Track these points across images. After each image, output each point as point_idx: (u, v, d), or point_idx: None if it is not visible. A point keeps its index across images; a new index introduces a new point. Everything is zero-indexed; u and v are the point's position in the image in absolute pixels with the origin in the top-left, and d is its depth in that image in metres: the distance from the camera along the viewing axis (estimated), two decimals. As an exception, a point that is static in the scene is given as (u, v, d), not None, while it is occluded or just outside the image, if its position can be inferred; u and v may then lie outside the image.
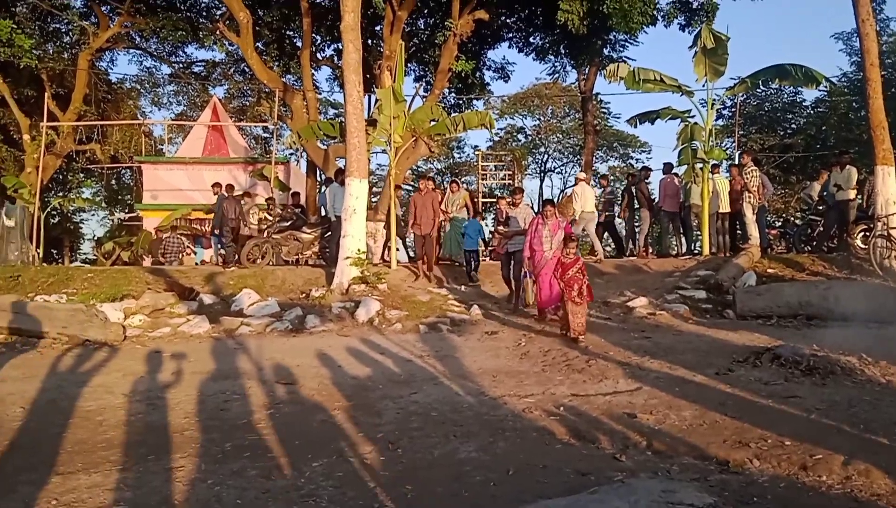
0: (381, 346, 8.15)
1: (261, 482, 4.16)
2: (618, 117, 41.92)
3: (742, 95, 24.12)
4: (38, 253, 14.87)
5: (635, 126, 14.51)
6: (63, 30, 24.82)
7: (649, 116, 14.07)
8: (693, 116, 13.54)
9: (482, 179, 27.72)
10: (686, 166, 13.19)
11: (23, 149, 23.43)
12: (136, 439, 4.94)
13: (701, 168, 12.96)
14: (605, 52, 24.73)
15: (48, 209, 20.27)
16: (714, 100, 13.56)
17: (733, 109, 26.54)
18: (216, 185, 15.82)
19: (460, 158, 46.42)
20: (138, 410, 5.57)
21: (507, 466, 4.41)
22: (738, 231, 13.75)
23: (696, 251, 14.41)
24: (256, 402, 5.80)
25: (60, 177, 27.18)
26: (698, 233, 14.41)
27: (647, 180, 14.96)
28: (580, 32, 18.71)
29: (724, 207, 13.59)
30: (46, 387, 6.22)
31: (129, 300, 9.71)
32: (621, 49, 24.57)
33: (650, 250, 14.93)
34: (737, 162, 16.22)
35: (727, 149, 24.55)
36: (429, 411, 5.55)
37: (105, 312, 8.92)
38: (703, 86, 13.22)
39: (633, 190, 14.73)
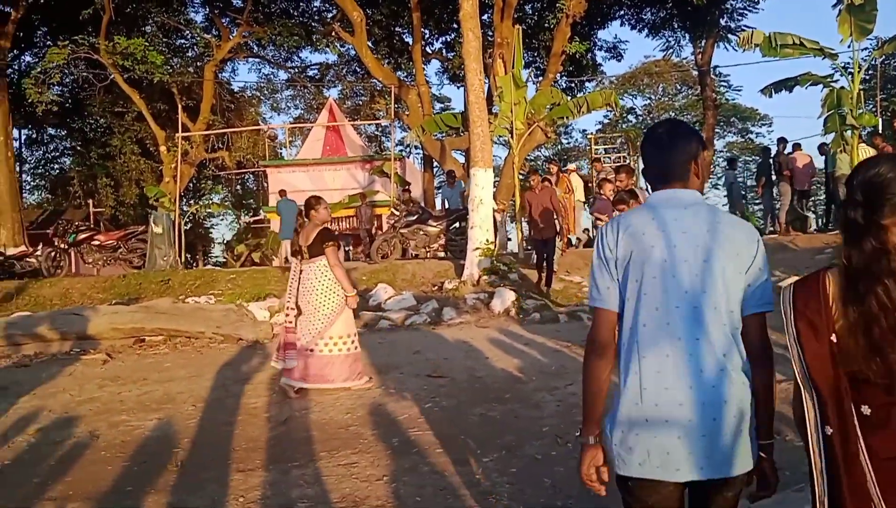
0: (523, 337, 8.01)
1: (436, 478, 4.11)
2: (738, 90, 39.92)
3: (882, 57, 22.26)
4: (181, 258, 15.74)
5: (770, 96, 13.54)
6: (188, 45, 26.29)
7: (786, 84, 13.11)
8: (836, 81, 12.53)
9: (595, 163, 27.04)
10: (834, 134, 12.21)
11: (158, 160, 24.96)
12: (305, 435, 5.02)
13: (850, 135, 11.98)
14: (723, 21, 23.60)
15: (185, 216, 21.52)
16: (861, 62, 12.48)
17: (871, 72, 24.53)
18: (282, 192, 16.92)
19: (568, 143, 45.63)
20: (301, 406, 5.68)
21: None
22: None
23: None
24: (412, 396, 5.78)
25: (191, 185, 28.78)
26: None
27: (786, 152, 13.99)
28: (698, 3, 17.85)
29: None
30: (211, 385, 6.48)
31: (272, 299, 10.04)
32: (739, 18, 23.45)
33: (791, 227, 13.98)
34: (880, 130, 14.93)
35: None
36: (589, 403, 5.35)
37: (252, 311, 9.27)
38: (848, 47, 12.19)
39: (773, 163, 13.80)
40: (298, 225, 5.27)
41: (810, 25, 65.93)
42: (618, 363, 1.96)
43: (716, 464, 1.82)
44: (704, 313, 1.86)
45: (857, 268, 1.60)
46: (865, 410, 1.59)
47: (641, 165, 2.34)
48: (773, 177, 13.92)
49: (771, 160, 13.92)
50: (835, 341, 1.62)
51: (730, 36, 24.31)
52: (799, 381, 1.68)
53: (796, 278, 1.83)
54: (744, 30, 21.69)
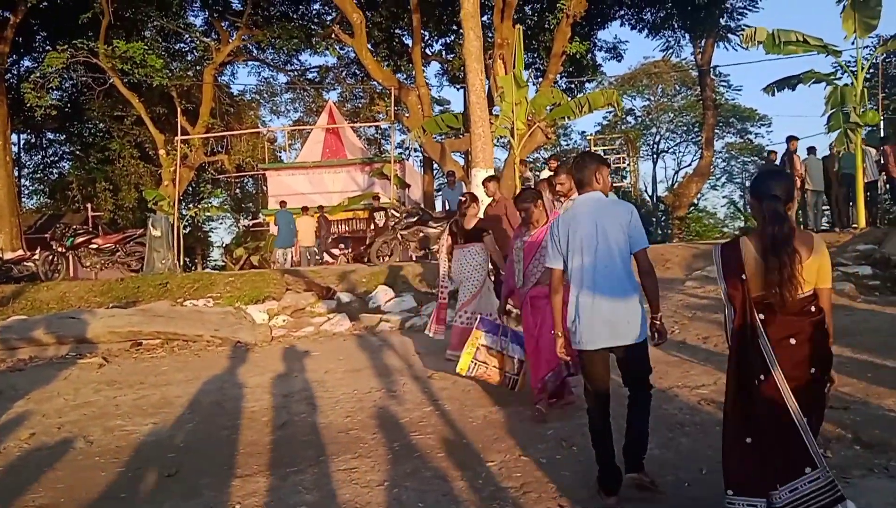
0: (525, 339, 7.88)
1: (438, 483, 4.01)
2: (738, 90, 39.81)
3: (882, 55, 22.12)
4: (179, 261, 15.63)
5: (773, 94, 13.45)
6: (187, 48, 26.24)
7: (789, 82, 13.05)
8: (839, 79, 12.46)
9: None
10: (838, 132, 12.09)
11: (157, 164, 24.86)
12: (304, 439, 4.91)
13: (854, 134, 11.88)
14: (723, 21, 23.57)
15: (184, 220, 21.45)
16: (864, 59, 12.39)
17: (872, 71, 24.42)
18: (283, 203, 17.57)
19: (567, 145, 45.58)
20: (299, 410, 5.57)
21: (698, 464, 4.04)
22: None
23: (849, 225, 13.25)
24: (414, 399, 5.67)
25: (191, 188, 28.69)
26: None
27: (795, 152, 13.59)
28: (699, 3, 17.78)
29: (870, 175, 12.58)
30: (209, 389, 6.36)
31: (271, 302, 9.91)
32: (739, 17, 23.48)
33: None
34: (881, 128, 14.84)
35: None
36: (594, 405, 5.23)
37: (251, 314, 9.16)
38: (852, 44, 12.11)
39: (782, 164, 13.48)
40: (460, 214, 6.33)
41: (810, 25, 65.82)
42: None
43: (617, 337, 3.52)
44: (607, 258, 3.53)
45: (778, 239, 2.82)
46: (761, 317, 2.90)
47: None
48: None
49: (785, 161, 13.50)
50: (745, 278, 2.92)
51: (730, 36, 24.30)
52: (724, 301, 3.03)
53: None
54: (744, 29, 21.67)
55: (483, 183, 8.42)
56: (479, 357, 5.43)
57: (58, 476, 4.43)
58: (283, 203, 17.48)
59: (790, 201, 2.91)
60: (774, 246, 2.80)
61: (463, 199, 6.87)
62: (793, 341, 2.85)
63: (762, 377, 2.86)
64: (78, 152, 28.87)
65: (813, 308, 2.88)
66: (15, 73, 24.50)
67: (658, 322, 3.59)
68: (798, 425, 2.81)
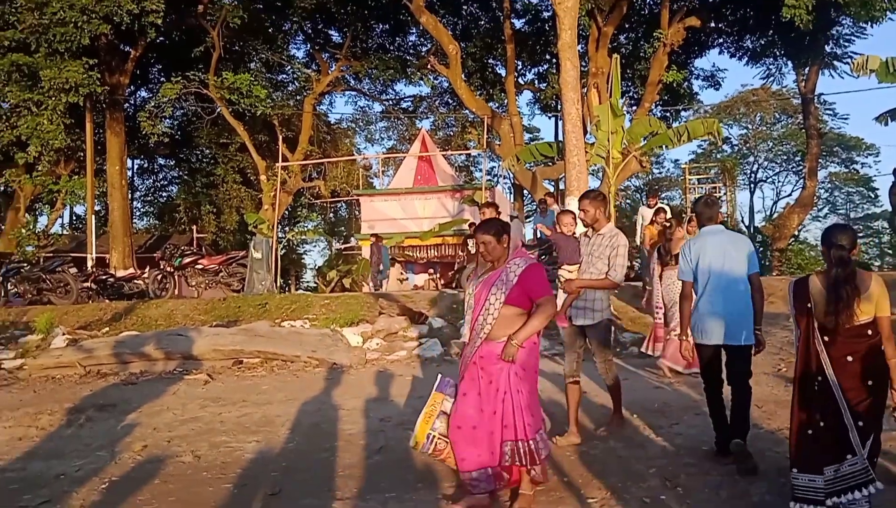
0: (622, 371, 7.68)
1: (539, 517, 3.94)
2: (845, 119, 38.04)
3: None
4: (276, 283, 16.18)
5: (886, 124, 12.83)
6: (289, 79, 27.45)
7: (904, 111, 12.38)
8: (960, 108, 11.71)
9: (689, 194, 26.43)
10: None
11: (257, 189, 25.96)
12: (400, 465, 4.93)
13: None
14: (828, 48, 22.63)
15: (281, 243, 22.28)
16: None
17: None
18: (374, 235, 17.97)
19: (660, 173, 44.71)
20: (396, 435, 5.61)
21: (815, 513, 3.81)
22: None
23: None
24: (509, 430, 5.61)
25: (287, 212, 29.80)
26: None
27: None
28: (806, 28, 17.12)
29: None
30: (308, 409, 6.51)
31: (365, 325, 10.10)
32: (846, 44, 22.40)
33: None
34: None
35: None
36: (699, 444, 5.04)
37: (346, 336, 9.35)
38: (976, 70, 11.38)
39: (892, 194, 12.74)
40: (665, 239, 7.99)
41: (924, 51, 62.27)
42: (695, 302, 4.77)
43: (728, 338, 4.54)
44: (727, 277, 4.56)
45: (840, 279, 3.53)
46: (825, 338, 3.58)
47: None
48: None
49: None
50: (810, 307, 3.63)
51: (835, 63, 23.30)
52: (792, 325, 3.86)
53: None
54: (851, 56, 20.77)
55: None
56: (437, 429, 4.10)
57: (169, 490, 4.62)
58: (374, 235, 17.94)
59: (853, 249, 3.59)
60: (836, 284, 3.54)
61: (668, 224, 7.73)
62: (849, 358, 3.55)
63: (819, 381, 3.59)
64: (185, 177, 30.55)
65: (870, 332, 3.57)
66: (132, 102, 26.23)
67: (758, 332, 4.55)
68: (846, 422, 3.50)
